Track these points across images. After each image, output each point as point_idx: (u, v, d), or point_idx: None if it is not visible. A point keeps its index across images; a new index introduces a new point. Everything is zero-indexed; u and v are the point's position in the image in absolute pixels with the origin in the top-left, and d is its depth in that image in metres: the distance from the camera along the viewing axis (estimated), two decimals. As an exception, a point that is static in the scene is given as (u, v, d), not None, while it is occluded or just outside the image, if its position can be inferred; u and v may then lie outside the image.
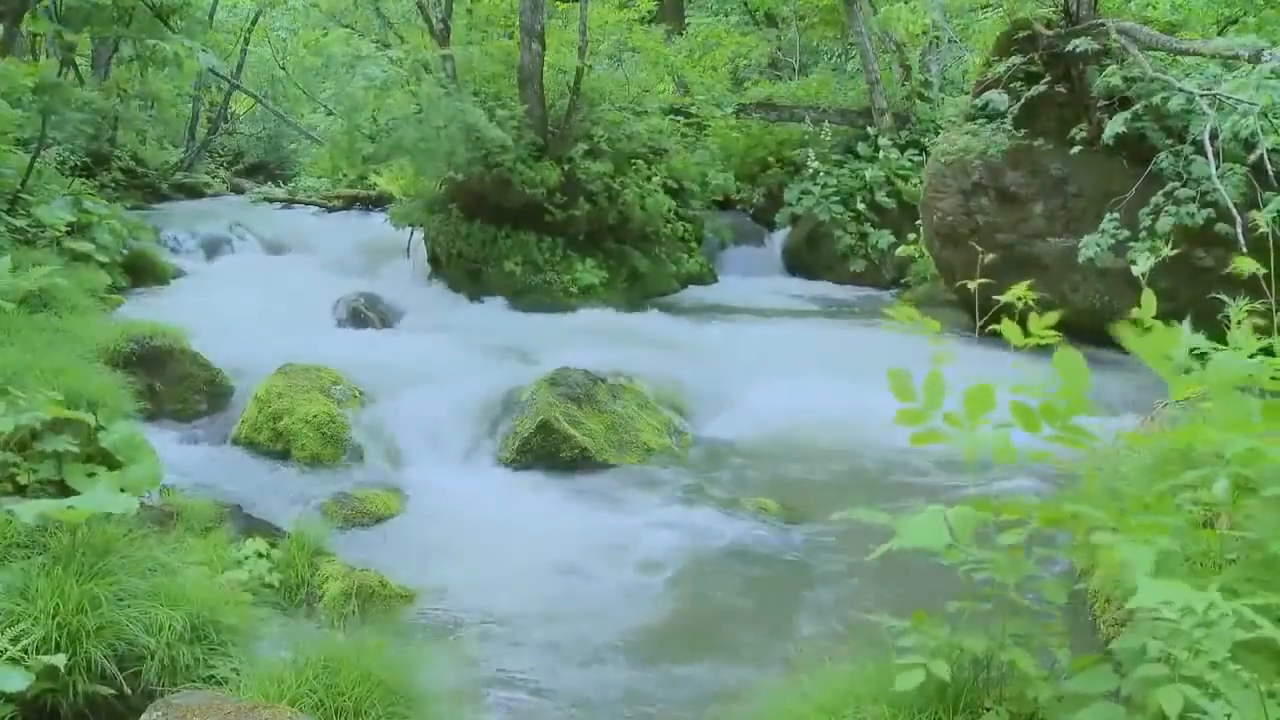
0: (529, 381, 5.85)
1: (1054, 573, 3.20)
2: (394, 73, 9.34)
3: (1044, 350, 2.11)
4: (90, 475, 3.63)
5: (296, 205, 14.53)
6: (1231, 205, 6.33)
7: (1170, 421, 3.02)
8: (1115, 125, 6.98)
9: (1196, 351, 1.99)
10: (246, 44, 17.17)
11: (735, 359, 7.35)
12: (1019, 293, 2.17)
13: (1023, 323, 2.13)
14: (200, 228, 11.71)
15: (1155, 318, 2.01)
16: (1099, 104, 7.64)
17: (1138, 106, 7.11)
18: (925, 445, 2.10)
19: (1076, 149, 7.57)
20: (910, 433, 2.09)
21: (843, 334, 8.44)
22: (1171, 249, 4.14)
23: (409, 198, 10.63)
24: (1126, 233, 7.09)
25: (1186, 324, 1.94)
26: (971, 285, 2.19)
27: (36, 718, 2.44)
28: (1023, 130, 8.00)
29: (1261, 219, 3.84)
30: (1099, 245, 7.14)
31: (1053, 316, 2.06)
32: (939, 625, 2.14)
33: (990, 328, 2.16)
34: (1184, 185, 6.97)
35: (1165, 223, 6.85)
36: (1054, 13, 8.30)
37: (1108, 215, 7.20)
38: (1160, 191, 7.09)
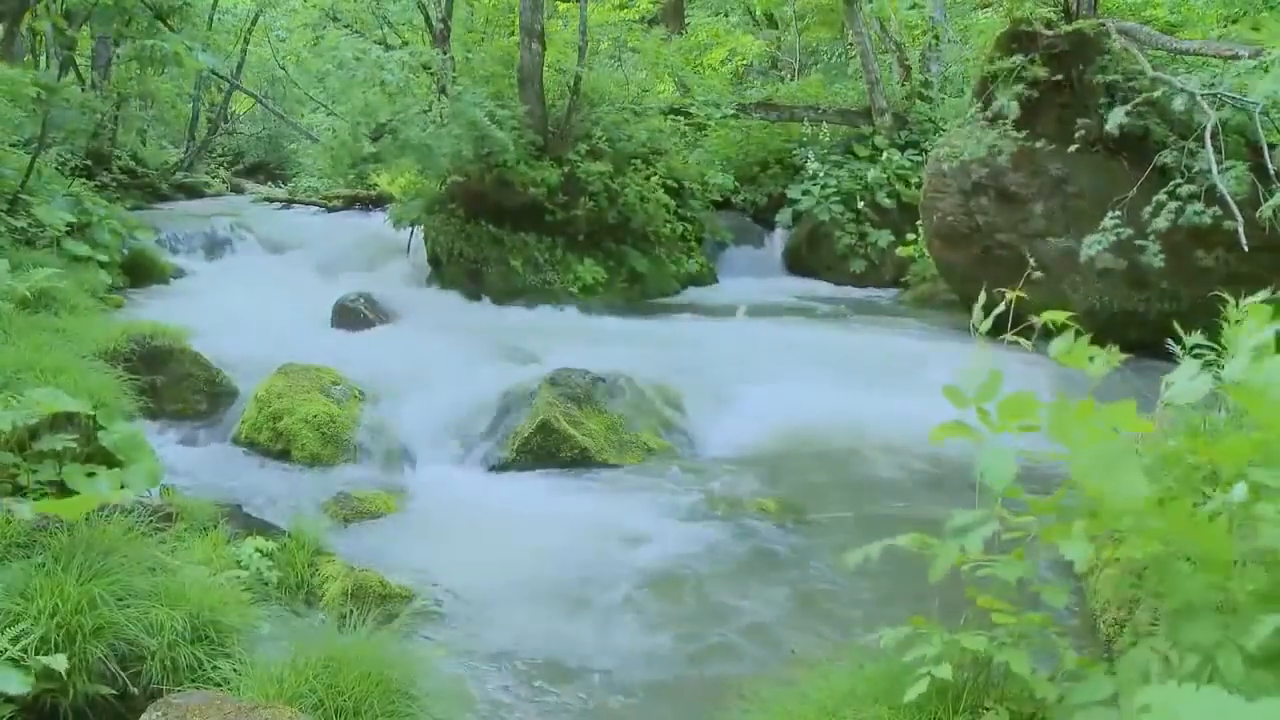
0: (529, 381, 5.84)
1: (1054, 572, 3.21)
2: (405, 75, 9.36)
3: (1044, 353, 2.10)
4: (90, 475, 3.63)
5: (296, 205, 14.54)
6: (1233, 202, 6.32)
7: (1168, 422, 3.02)
8: (1117, 116, 6.97)
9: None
10: (246, 44, 17.17)
11: (735, 359, 7.33)
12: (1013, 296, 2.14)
13: (1013, 324, 2.12)
14: (200, 228, 11.70)
15: (1158, 317, 2.00)
16: (1099, 103, 7.64)
17: (1138, 100, 7.10)
18: (941, 440, 2.08)
19: (1074, 147, 7.55)
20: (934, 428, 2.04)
21: (843, 334, 8.44)
22: (1173, 250, 4.15)
23: (409, 197, 10.63)
24: (1130, 230, 7.07)
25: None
26: (1009, 294, 2.16)
27: (36, 718, 2.44)
28: (1023, 131, 8.01)
29: (1265, 211, 3.83)
30: (1100, 243, 7.13)
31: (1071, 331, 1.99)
32: (937, 628, 2.13)
33: (997, 331, 2.16)
34: (1187, 181, 6.95)
35: (1162, 222, 6.83)
36: (1054, 12, 8.31)
37: (1110, 214, 7.18)
38: (1163, 190, 7.08)
